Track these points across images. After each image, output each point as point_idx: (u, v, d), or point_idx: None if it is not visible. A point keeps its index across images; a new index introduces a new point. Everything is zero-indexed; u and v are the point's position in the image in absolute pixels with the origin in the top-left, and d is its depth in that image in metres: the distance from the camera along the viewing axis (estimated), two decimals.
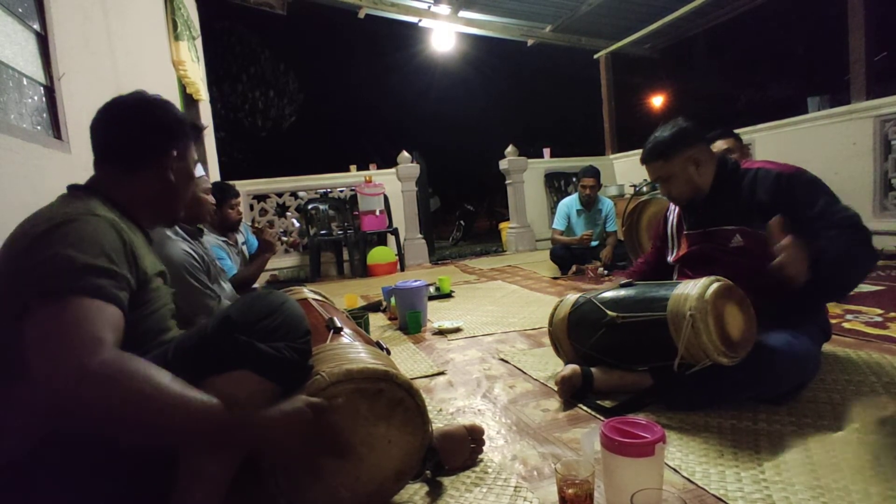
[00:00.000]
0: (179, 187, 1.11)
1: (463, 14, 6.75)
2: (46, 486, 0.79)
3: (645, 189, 4.61)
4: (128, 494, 0.84)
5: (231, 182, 5.66)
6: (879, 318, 2.18)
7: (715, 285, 1.37)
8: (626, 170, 6.90)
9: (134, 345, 0.86)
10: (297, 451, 0.92)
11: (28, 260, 0.80)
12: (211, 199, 2.02)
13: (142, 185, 1.05)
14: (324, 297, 1.55)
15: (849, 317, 2.24)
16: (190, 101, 4.79)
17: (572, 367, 1.63)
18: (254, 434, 0.86)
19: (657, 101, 15.01)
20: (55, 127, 2.00)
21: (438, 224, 11.41)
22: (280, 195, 5.98)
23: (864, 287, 2.75)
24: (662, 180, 1.73)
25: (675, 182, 1.70)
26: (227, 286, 2.15)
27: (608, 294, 1.67)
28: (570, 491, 0.94)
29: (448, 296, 3.71)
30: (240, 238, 3.09)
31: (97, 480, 0.81)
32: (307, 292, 1.50)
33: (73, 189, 1.01)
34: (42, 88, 1.96)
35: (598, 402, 1.55)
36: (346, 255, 5.77)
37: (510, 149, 6.61)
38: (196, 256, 1.85)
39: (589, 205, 4.53)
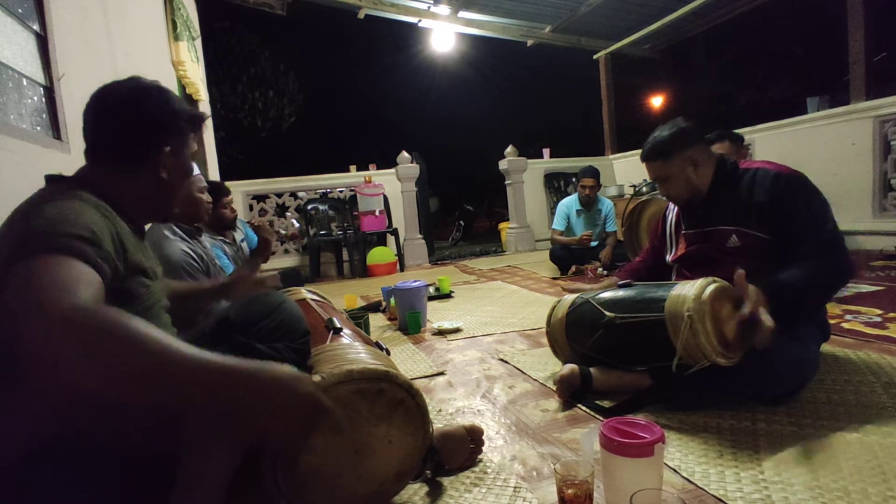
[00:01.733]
0: (174, 185, 1.04)
1: (462, 14, 6.75)
2: (43, 489, 0.79)
3: (644, 189, 4.62)
4: (127, 497, 0.84)
5: (230, 182, 5.70)
6: (879, 319, 2.18)
7: (712, 286, 1.37)
8: (625, 170, 6.90)
9: None
10: (301, 426, 0.77)
11: (7, 241, 0.76)
12: (207, 197, 2.01)
13: (133, 184, 0.99)
14: (322, 297, 1.55)
15: (848, 317, 2.24)
16: (190, 101, 4.79)
17: (571, 367, 1.63)
18: (260, 397, 0.73)
19: (657, 101, 15.01)
20: (55, 127, 2.00)
21: (438, 224, 11.41)
22: (280, 195, 5.99)
23: (864, 287, 2.76)
24: (661, 180, 1.74)
25: (673, 182, 1.70)
26: None
27: (606, 295, 1.67)
28: (570, 491, 0.94)
29: (447, 296, 3.71)
30: (238, 235, 3.09)
31: (95, 483, 0.80)
32: (305, 293, 1.50)
33: (55, 180, 0.95)
34: (42, 89, 1.97)
35: (597, 402, 1.55)
36: (345, 256, 5.77)
37: (510, 149, 6.61)
38: (195, 256, 1.85)
39: (588, 205, 4.53)
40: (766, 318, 1.31)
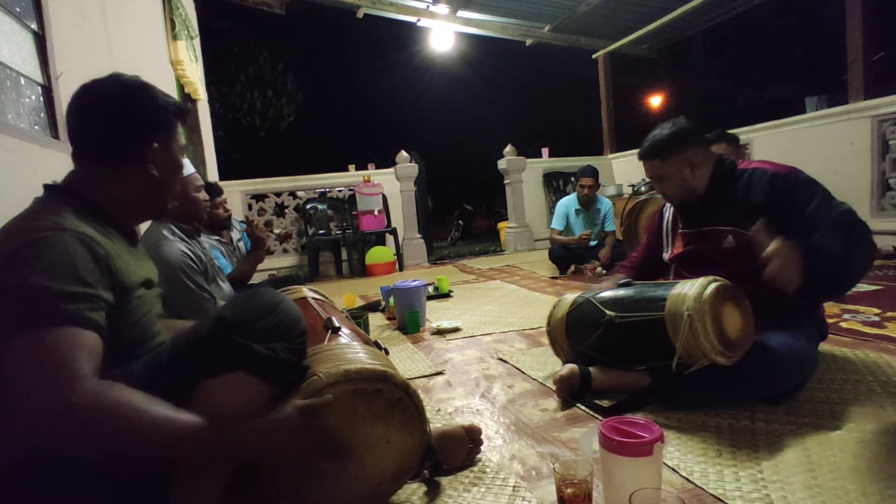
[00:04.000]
0: (165, 181, 1.02)
1: (461, 14, 6.75)
2: (40, 492, 0.78)
3: (643, 189, 4.62)
4: (126, 497, 0.83)
5: (229, 182, 5.70)
6: (877, 318, 2.18)
7: (713, 286, 1.37)
8: (624, 169, 6.90)
9: (122, 356, 0.85)
10: (293, 457, 0.92)
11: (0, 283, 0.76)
12: (204, 195, 2.00)
13: (122, 184, 0.97)
14: (323, 296, 1.54)
15: (846, 316, 2.24)
16: (188, 100, 4.78)
17: (570, 366, 1.63)
18: (247, 446, 0.85)
19: (655, 101, 15.03)
20: (53, 126, 1.99)
21: (437, 224, 11.40)
22: (278, 195, 5.98)
23: (862, 287, 2.76)
24: (657, 179, 1.73)
25: (669, 182, 1.70)
26: (226, 285, 2.14)
27: (606, 294, 1.67)
28: (569, 491, 0.94)
29: (447, 296, 3.71)
30: (235, 235, 3.09)
31: (93, 484, 0.80)
32: (306, 291, 1.50)
33: (49, 190, 0.95)
34: (40, 88, 1.96)
35: (597, 401, 1.55)
36: (344, 255, 5.77)
37: (509, 148, 6.61)
38: (193, 257, 1.85)
39: (587, 204, 4.53)
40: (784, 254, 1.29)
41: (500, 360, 2.13)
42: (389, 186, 5.95)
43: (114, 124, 0.96)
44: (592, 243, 4.47)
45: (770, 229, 1.35)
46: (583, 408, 1.54)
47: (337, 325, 1.20)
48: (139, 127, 0.98)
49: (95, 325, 0.79)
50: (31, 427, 0.70)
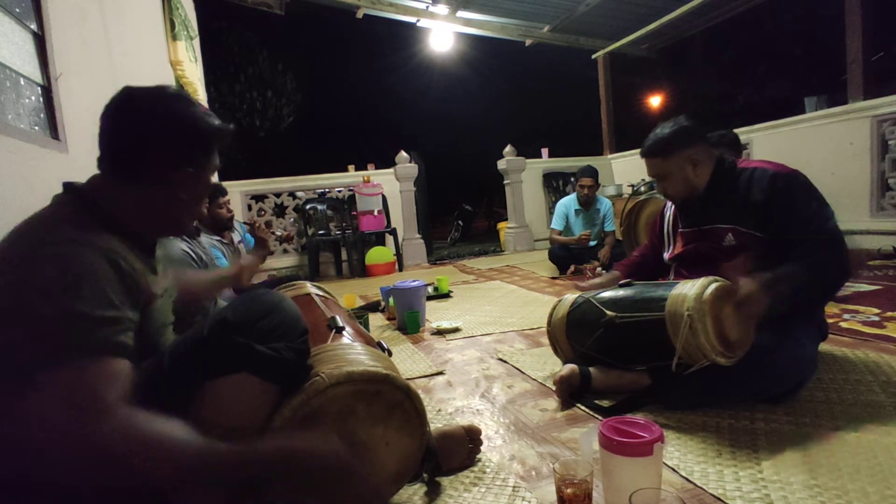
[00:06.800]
0: (192, 203, 0.98)
1: (461, 14, 6.75)
2: (41, 498, 0.78)
3: (643, 189, 4.62)
4: (127, 499, 0.83)
5: (228, 182, 5.70)
6: (876, 318, 2.18)
7: (713, 286, 1.37)
8: (624, 170, 6.91)
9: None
10: (313, 480, 0.86)
11: (20, 304, 0.72)
12: None
13: (145, 202, 0.92)
14: (327, 293, 1.54)
15: (846, 316, 2.25)
16: None
17: (570, 366, 1.63)
18: (274, 470, 0.81)
19: (655, 101, 15.03)
20: (52, 127, 1.99)
21: (437, 224, 11.40)
22: (278, 195, 5.98)
23: (862, 287, 2.76)
24: (659, 178, 1.74)
25: (672, 180, 1.70)
26: None
27: (607, 294, 1.67)
28: (569, 491, 0.94)
29: (446, 296, 3.71)
30: (235, 236, 3.09)
31: (95, 488, 0.80)
32: (310, 287, 1.49)
33: (68, 191, 0.90)
34: (39, 88, 1.96)
35: (596, 401, 1.55)
36: (344, 256, 5.77)
37: (508, 149, 6.61)
38: (194, 257, 1.85)
39: (587, 204, 4.53)
40: (752, 288, 1.35)
41: (500, 360, 2.13)
42: (389, 187, 5.96)
43: (148, 144, 0.90)
44: (592, 243, 4.47)
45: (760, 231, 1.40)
46: (583, 408, 1.54)
47: (341, 324, 1.19)
48: (175, 152, 0.92)
49: (124, 350, 0.77)
50: (61, 463, 0.68)
